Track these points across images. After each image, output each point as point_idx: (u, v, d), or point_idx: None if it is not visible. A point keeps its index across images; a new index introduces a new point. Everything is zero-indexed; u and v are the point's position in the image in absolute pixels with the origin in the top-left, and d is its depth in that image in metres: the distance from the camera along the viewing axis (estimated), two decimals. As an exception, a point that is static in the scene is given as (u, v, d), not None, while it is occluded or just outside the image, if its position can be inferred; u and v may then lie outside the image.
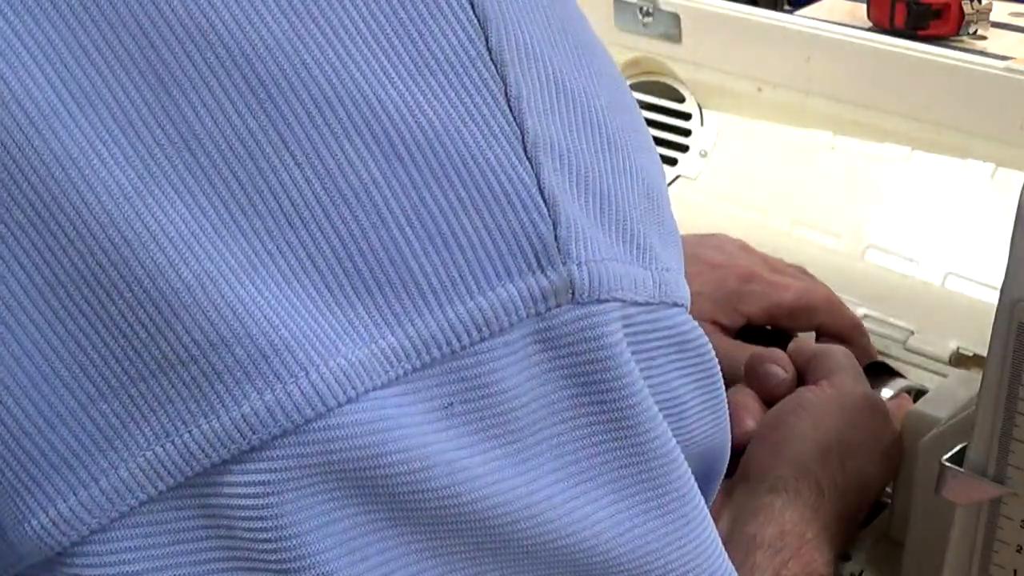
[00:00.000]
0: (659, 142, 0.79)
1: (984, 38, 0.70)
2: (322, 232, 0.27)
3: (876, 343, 0.62)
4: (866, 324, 0.62)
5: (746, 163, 0.75)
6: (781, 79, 0.74)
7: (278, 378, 0.26)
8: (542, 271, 0.28)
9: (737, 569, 0.41)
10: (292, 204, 0.27)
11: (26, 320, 0.26)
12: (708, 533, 0.33)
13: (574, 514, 0.29)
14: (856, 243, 0.68)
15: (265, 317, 0.26)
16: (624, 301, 0.29)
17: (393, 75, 0.27)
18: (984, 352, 0.40)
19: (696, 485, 0.32)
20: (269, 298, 0.26)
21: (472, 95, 0.28)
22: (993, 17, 0.71)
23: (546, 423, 0.29)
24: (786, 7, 0.82)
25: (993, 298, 0.38)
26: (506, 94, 0.28)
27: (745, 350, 0.58)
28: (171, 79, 0.26)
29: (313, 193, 0.27)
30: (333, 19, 0.27)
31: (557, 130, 0.29)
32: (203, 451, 0.26)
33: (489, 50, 0.28)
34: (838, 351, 0.55)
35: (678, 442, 0.32)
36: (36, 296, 0.26)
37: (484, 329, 0.28)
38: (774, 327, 0.61)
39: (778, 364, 0.55)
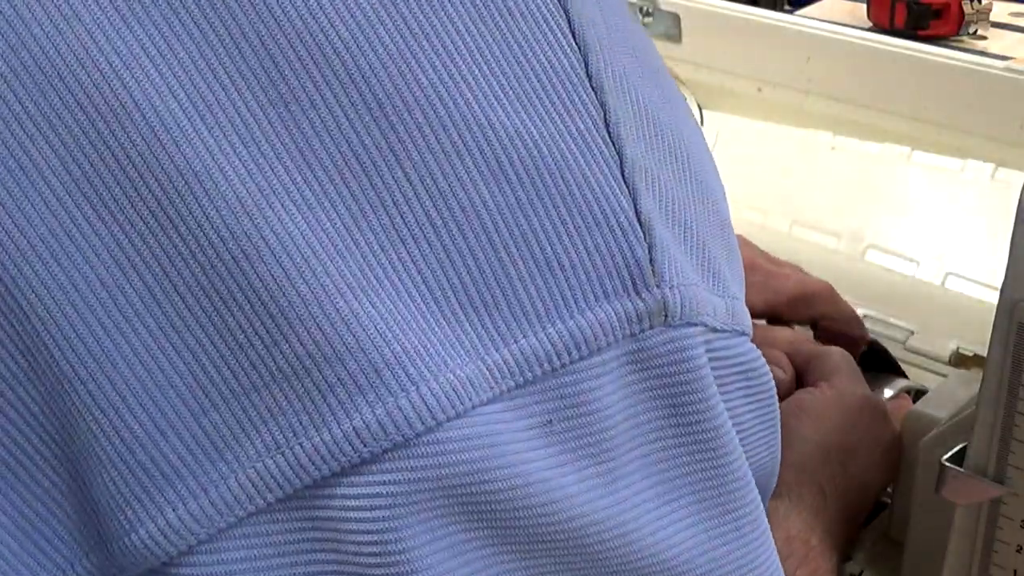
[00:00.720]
0: (659, 142, 0.79)
1: (984, 38, 0.70)
2: (432, 249, 0.27)
3: (876, 343, 0.62)
4: (866, 324, 0.62)
5: (746, 163, 0.75)
6: (781, 79, 0.74)
7: (389, 392, 0.26)
8: (637, 293, 0.29)
9: None
10: (404, 221, 0.27)
11: (142, 328, 0.26)
12: (773, 558, 0.33)
13: (658, 534, 0.30)
14: (856, 243, 0.68)
15: (378, 331, 0.27)
16: (707, 326, 0.30)
17: (501, 97, 0.28)
18: (984, 352, 0.40)
19: (763, 510, 0.33)
20: (383, 312, 0.27)
21: (575, 119, 0.28)
22: (993, 17, 0.71)
23: (636, 443, 0.30)
24: (786, 7, 0.82)
25: (993, 298, 0.38)
26: (605, 120, 0.29)
27: (803, 344, 0.58)
28: (291, 95, 0.26)
29: (425, 211, 0.27)
30: (446, 40, 0.27)
31: (648, 158, 0.30)
32: (313, 464, 0.26)
33: (589, 76, 0.29)
34: (836, 352, 0.55)
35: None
36: (154, 304, 0.26)
37: (583, 348, 0.28)
38: (773, 320, 0.61)
39: (777, 365, 0.55)
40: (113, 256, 0.26)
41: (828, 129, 0.73)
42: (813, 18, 0.75)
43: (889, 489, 0.53)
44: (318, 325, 0.26)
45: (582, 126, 0.28)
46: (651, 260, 0.29)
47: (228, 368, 0.26)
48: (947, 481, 0.41)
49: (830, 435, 0.50)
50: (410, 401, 0.26)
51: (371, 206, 0.27)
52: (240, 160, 0.26)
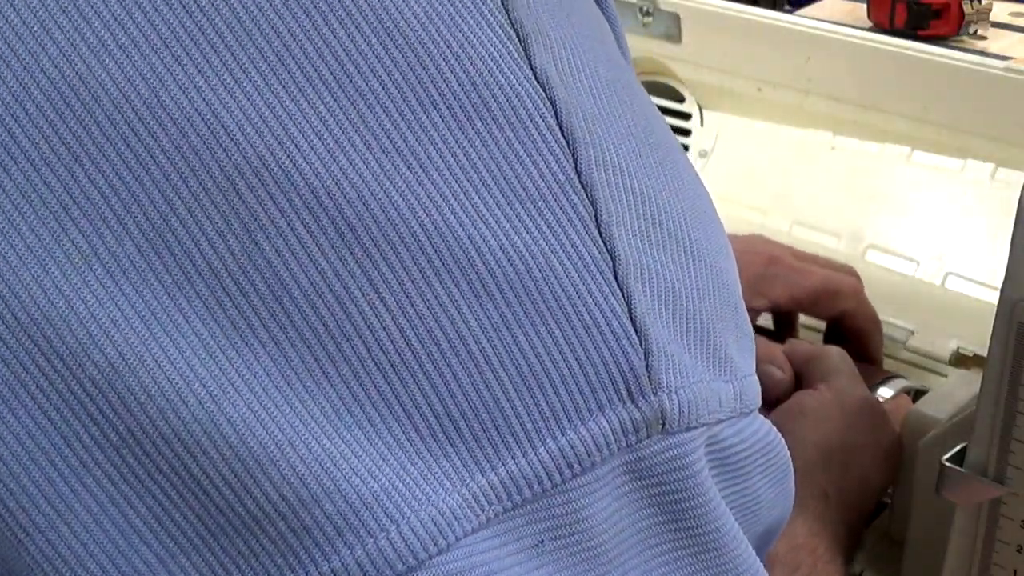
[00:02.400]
0: (659, 142, 0.79)
1: (984, 38, 0.70)
2: (413, 378, 0.26)
3: (876, 343, 0.62)
4: (866, 324, 0.62)
5: (746, 163, 0.75)
6: (781, 79, 0.74)
7: (368, 532, 0.26)
8: (633, 402, 0.27)
9: None
10: (382, 350, 0.26)
11: (95, 479, 0.25)
12: None
13: None
14: (856, 243, 0.68)
15: (354, 470, 0.26)
16: (710, 424, 0.29)
17: (483, 210, 0.26)
18: (984, 352, 0.40)
19: None
20: (357, 449, 0.26)
21: (563, 224, 0.27)
22: (993, 17, 0.71)
23: (633, 551, 0.29)
24: (786, 7, 0.82)
25: (993, 298, 0.38)
26: (596, 220, 0.27)
27: (800, 344, 0.58)
28: (256, 225, 0.25)
29: (404, 339, 0.26)
30: (422, 155, 0.26)
31: (646, 252, 0.28)
32: None
33: (579, 173, 0.27)
34: (834, 352, 0.55)
35: (750, 529, 0.33)
36: (103, 457, 0.25)
37: (576, 466, 0.27)
38: (796, 312, 0.61)
39: (775, 364, 0.55)
40: (49, 417, 0.25)
41: (828, 129, 0.73)
42: (813, 18, 0.75)
43: (889, 489, 0.53)
44: (290, 468, 0.25)
45: (572, 232, 0.27)
46: (648, 366, 0.28)
47: (193, 514, 0.26)
48: (947, 481, 0.41)
49: (831, 438, 0.50)
50: (390, 541, 0.26)
51: (345, 336, 0.26)
52: (196, 292, 0.25)
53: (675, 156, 0.31)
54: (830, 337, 0.62)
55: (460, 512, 0.26)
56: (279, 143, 0.25)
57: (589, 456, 0.27)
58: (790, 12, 0.78)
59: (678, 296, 0.29)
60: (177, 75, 0.25)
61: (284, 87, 0.25)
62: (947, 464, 0.41)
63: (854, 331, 0.60)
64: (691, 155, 0.77)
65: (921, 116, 0.69)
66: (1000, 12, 0.73)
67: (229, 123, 0.25)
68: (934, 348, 0.62)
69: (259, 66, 0.25)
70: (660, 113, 0.33)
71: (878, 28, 0.72)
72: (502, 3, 0.27)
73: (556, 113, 0.27)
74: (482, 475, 0.26)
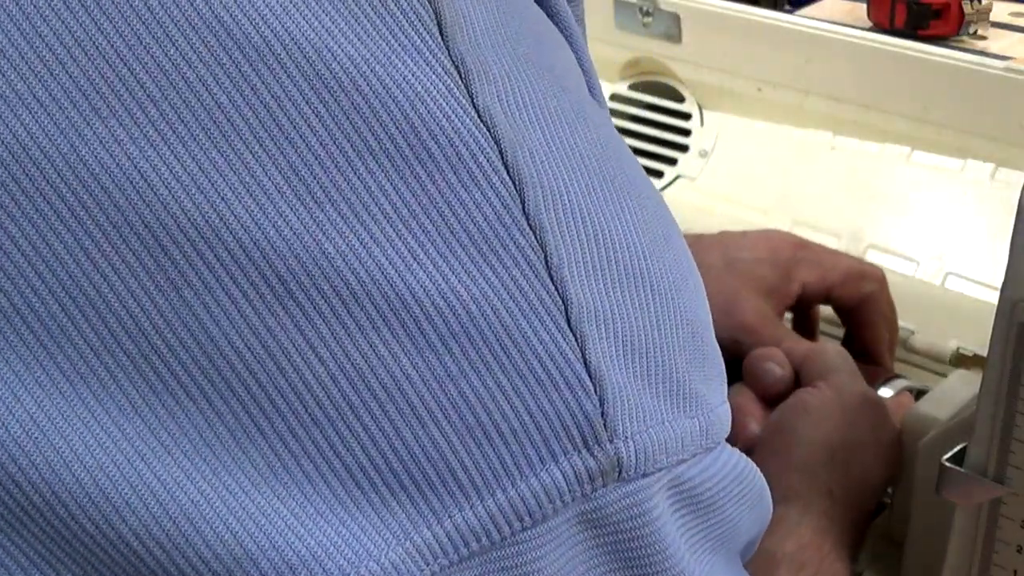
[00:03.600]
0: (659, 142, 0.79)
1: (984, 38, 0.70)
2: (351, 432, 0.25)
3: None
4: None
5: (746, 163, 0.75)
6: (781, 79, 0.74)
7: None
8: (588, 451, 0.27)
9: None
10: (318, 405, 0.25)
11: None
12: None
13: None
14: (856, 243, 0.68)
15: (289, 527, 0.25)
16: (671, 466, 0.28)
17: (423, 257, 0.25)
18: (984, 352, 0.40)
19: None
20: (293, 506, 0.25)
21: (511, 269, 0.26)
22: (993, 17, 0.71)
23: None
24: (786, 7, 0.82)
25: (993, 298, 0.38)
26: (546, 263, 0.26)
27: (798, 342, 0.58)
28: (183, 281, 0.24)
29: (341, 392, 0.25)
30: (355, 202, 0.25)
31: (600, 293, 0.27)
32: None
33: (526, 215, 0.26)
34: (832, 350, 0.55)
35: (730, 550, 0.32)
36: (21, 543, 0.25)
37: (527, 519, 0.26)
38: (819, 301, 0.62)
39: (775, 362, 0.55)
40: None
41: (828, 129, 0.73)
42: (813, 18, 0.75)
43: (889, 489, 0.53)
44: (226, 527, 0.25)
45: (519, 276, 0.26)
46: (603, 414, 0.26)
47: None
48: (947, 481, 0.41)
49: (833, 436, 0.50)
50: None
51: (278, 391, 0.25)
52: (120, 364, 0.25)
53: (635, 183, 0.30)
54: (847, 342, 0.61)
55: (403, 566, 0.26)
56: (204, 197, 0.24)
57: (541, 508, 0.26)
58: (790, 12, 0.78)
59: (636, 335, 0.28)
60: (97, 129, 0.24)
61: (209, 138, 0.24)
62: (947, 464, 0.41)
63: (875, 319, 0.60)
64: (691, 155, 0.77)
65: (921, 116, 0.69)
66: (1000, 12, 0.73)
67: (152, 177, 0.24)
68: (934, 348, 0.62)
69: (183, 118, 0.24)
70: (619, 136, 0.31)
71: (878, 28, 0.72)
72: (442, 39, 0.26)
73: (501, 152, 0.26)
74: (427, 528, 0.26)
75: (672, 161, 0.78)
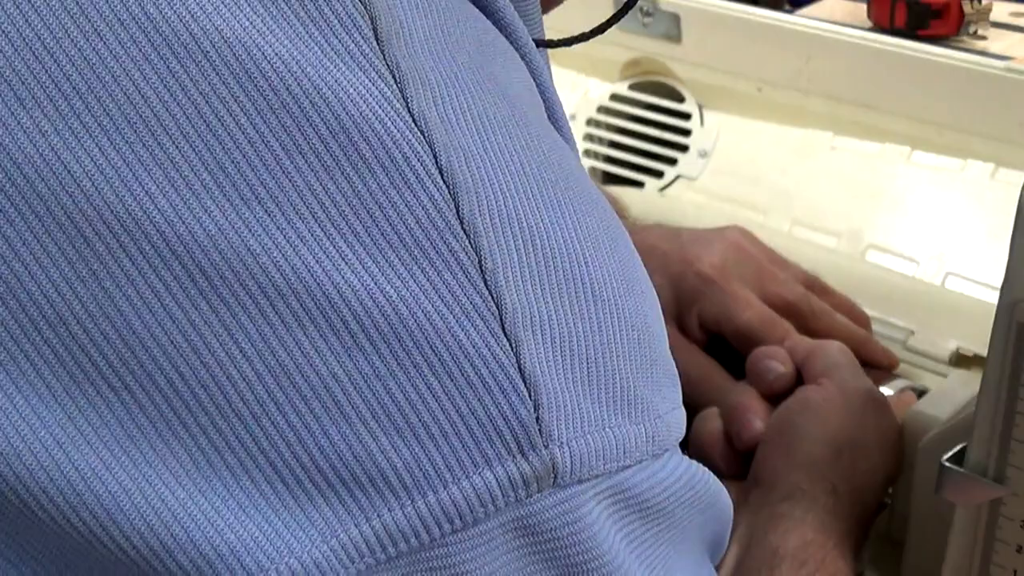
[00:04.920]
0: (659, 142, 0.79)
1: (984, 38, 0.70)
2: (276, 429, 0.25)
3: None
4: (866, 324, 0.62)
5: (746, 163, 0.75)
6: (781, 79, 0.74)
7: None
8: (523, 456, 0.26)
9: None
10: (242, 400, 0.25)
11: None
12: None
13: None
14: (856, 243, 0.68)
15: (209, 521, 0.25)
16: (611, 472, 0.28)
17: (351, 258, 0.25)
18: (984, 352, 0.40)
19: None
20: (214, 499, 0.25)
21: (442, 273, 0.26)
22: (993, 17, 0.71)
23: None
24: (786, 7, 0.82)
25: (993, 298, 0.38)
26: (481, 267, 0.26)
27: (713, 369, 0.57)
28: (104, 272, 0.25)
29: (265, 388, 0.25)
30: (283, 201, 0.25)
31: (538, 298, 0.27)
32: None
33: (460, 219, 0.26)
34: (834, 346, 0.55)
35: (689, 552, 0.32)
36: None
37: (457, 521, 0.26)
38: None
39: (776, 359, 0.55)
40: None
41: (828, 129, 0.73)
42: (813, 18, 0.75)
43: (889, 489, 0.53)
44: (143, 519, 0.25)
45: (452, 281, 0.26)
46: (538, 419, 0.26)
47: (50, 560, 0.26)
48: (947, 481, 0.41)
49: (838, 433, 0.50)
50: None
51: (202, 386, 0.25)
52: (34, 347, 0.25)
53: (579, 191, 0.30)
54: None
55: (326, 564, 0.25)
56: (128, 190, 0.24)
57: (472, 511, 0.26)
58: (790, 12, 0.79)
59: (575, 341, 0.28)
60: (21, 118, 0.24)
61: (135, 132, 0.24)
62: (947, 464, 0.41)
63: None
64: (691, 155, 0.77)
65: (921, 116, 0.69)
66: (1000, 12, 0.73)
67: (75, 168, 0.24)
68: (934, 348, 0.62)
69: (109, 111, 0.24)
70: (564, 144, 0.31)
71: (878, 28, 0.72)
72: (377, 44, 0.26)
73: (435, 156, 0.26)
74: (355, 527, 0.26)
75: (672, 161, 0.78)
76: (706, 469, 0.33)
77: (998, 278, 0.38)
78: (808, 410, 0.51)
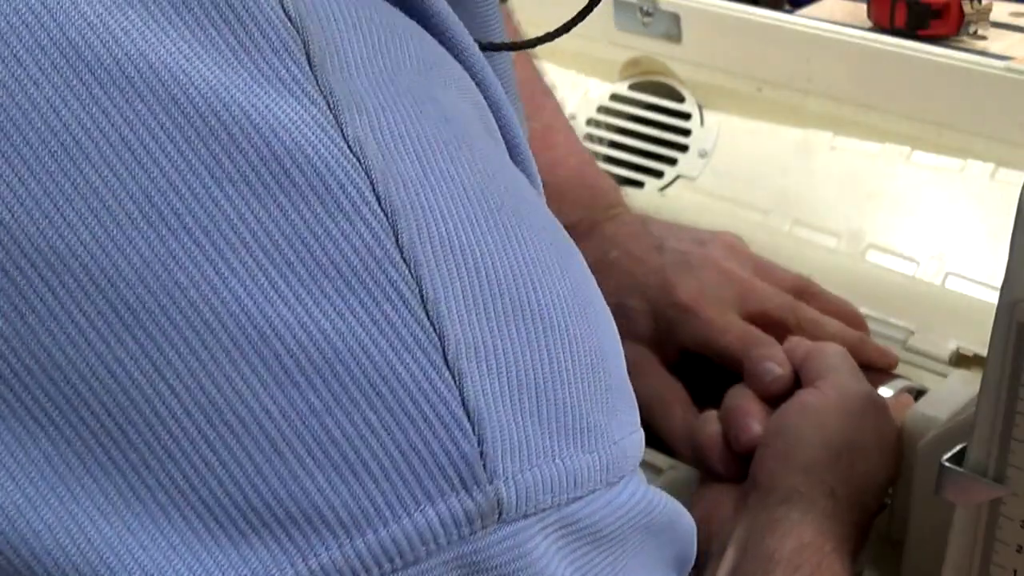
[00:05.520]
0: (659, 142, 0.79)
1: (984, 38, 0.70)
2: (207, 466, 0.24)
3: (876, 343, 0.62)
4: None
5: (746, 163, 0.75)
6: (781, 79, 0.74)
7: None
8: (466, 492, 0.26)
9: None
10: (170, 436, 0.24)
11: None
12: None
13: None
14: (856, 243, 0.68)
15: (137, 563, 0.24)
16: (559, 506, 0.27)
17: (284, 289, 0.24)
18: (984, 352, 0.40)
19: None
20: (144, 539, 0.24)
21: (381, 304, 0.25)
22: (993, 17, 0.71)
23: None
24: (786, 7, 0.82)
25: (993, 298, 0.38)
26: (422, 298, 0.25)
27: (673, 388, 0.57)
28: (26, 306, 0.24)
29: (194, 424, 0.24)
30: (212, 231, 0.24)
31: (483, 327, 0.26)
32: None
33: (400, 248, 0.25)
34: (832, 349, 0.55)
35: (652, 569, 0.32)
36: None
37: (398, 560, 0.25)
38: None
39: (774, 361, 0.54)
40: None
41: (828, 129, 0.73)
42: (813, 18, 0.75)
43: (889, 489, 0.53)
44: (68, 560, 0.24)
45: (392, 313, 0.25)
46: (482, 454, 0.26)
47: None
48: (947, 481, 0.40)
49: (837, 437, 0.50)
50: None
51: (130, 423, 0.24)
52: None
53: (527, 213, 0.29)
54: None
55: None
56: (48, 222, 0.23)
57: (413, 550, 0.25)
58: (790, 12, 0.79)
59: (523, 370, 0.27)
60: None
61: (55, 161, 0.24)
62: (947, 464, 0.41)
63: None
64: (691, 155, 0.77)
65: (921, 116, 0.69)
66: (1000, 12, 0.73)
67: None
68: (934, 348, 0.61)
69: (28, 139, 0.24)
70: (512, 166, 0.30)
71: (878, 28, 0.72)
72: (310, 69, 0.25)
73: (372, 184, 0.25)
74: (290, 567, 0.25)
75: (672, 161, 0.78)
76: (663, 492, 0.32)
77: (998, 278, 0.38)
78: (806, 414, 0.51)
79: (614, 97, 0.82)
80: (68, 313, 0.24)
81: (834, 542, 0.46)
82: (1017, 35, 0.71)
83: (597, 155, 0.81)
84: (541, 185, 0.34)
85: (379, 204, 0.25)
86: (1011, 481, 0.39)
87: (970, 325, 0.61)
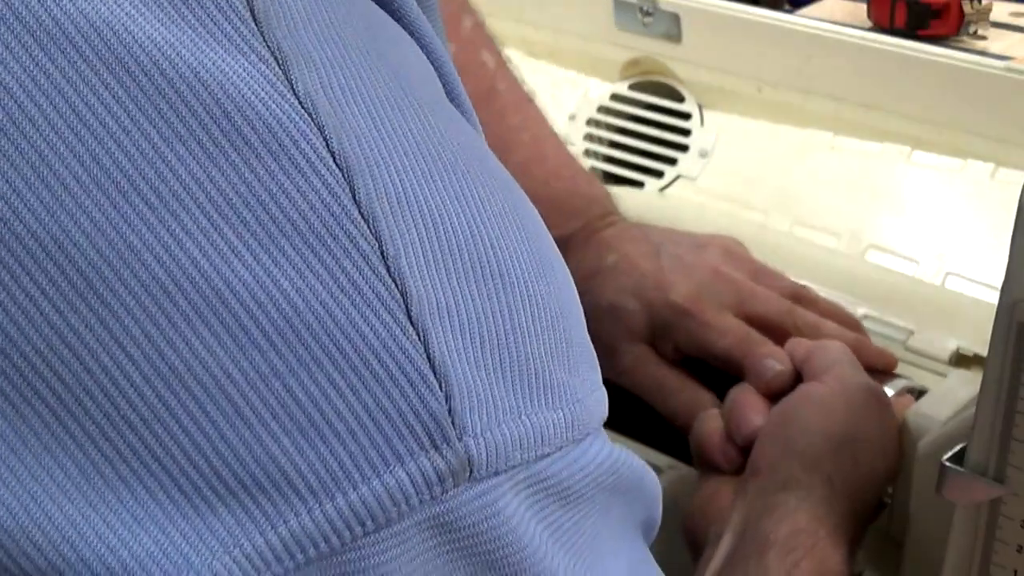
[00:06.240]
0: (659, 142, 0.79)
1: (984, 38, 0.70)
2: (169, 434, 0.24)
3: (876, 343, 0.62)
4: (866, 324, 0.62)
5: (746, 163, 0.75)
6: (781, 79, 0.74)
7: None
8: (436, 451, 0.25)
9: (749, 571, 0.41)
10: (130, 405, 0.24)
11: None
12: None
13: None
14: (856, 243, 0.68)
15: (100, 537, 0.24)
16: (528, 463, 0.27)
17: (240, 248, 0.24)
18: (984, 352, 0.40)
19: None
20: (106, 513, 0.24)
21: (341, 261, 0.24)
22: (993, 17, 0.71)
23: None
24: (786, 7, 0.82)
25: (993, 298, 0.38)
26: (383, 254, 0.25)
27: (682, 381, 0.57)
28: None
29: (154, 391, 0.24)
30: (163, 191, 0.23)
31: (444, 284, 0.26)
32: None
33: (358, 204, 0.25)
34: (834, 346, 0.55)
35: (610, 535, 0.31)
36: None
37: (369, 523, 0.25)
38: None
39: (775, 358, 0.55)
40: None
41: (828, 129, 0.73)
42: (813, 18, 0.75)
43: (889, 489, 0.53)
44: (29, 539, 0.24)
45: (352, 270, 0.24)
46: (450, 411, 0.25)
47: None
48: (947, 481, 0.41)
49: (839, 427, 0.50)
50: None
51: (87, 393, 0.23)
52: None
53: (482, 170, 0.28)
54: None
55: (230, 575, 0.24)
56: None
57: (384, 512, 0.25)
58: (790, 12, 0.78)
59: (486, 327, 0.26)
60: None
61: None
62: (947, 464, 0.41)
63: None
64: (691, 155, 0.77)
65: (921, 116, 0.69)
66: (1000, 12, 0.73)
67: None
68: (934, 348, 0.61)
69: None
70: (465, 123, 0.30)
71: (878, 28, 0.72)
72: (255, 25, 0.25)
73: (325, 139, 0.25)
74: (259, 535, 0.24)
75: (672, 161, 0.78)
76: (630, 452, 0.32)
77: (998, 278, 0.38)
78: (809, 403, 0.51)
79: (614, 97, 0.82)
80: (18, 283, 0.23)
81: (828, 528, 0.46)
82: (1017, 35, 0.71)
83: (597, 155, 0.82)
84: (479, 123, 0.33)
85: (333, 160, 0.25)
86: (1011, 481, 0.39)
87: (970, 325, 0.61)
